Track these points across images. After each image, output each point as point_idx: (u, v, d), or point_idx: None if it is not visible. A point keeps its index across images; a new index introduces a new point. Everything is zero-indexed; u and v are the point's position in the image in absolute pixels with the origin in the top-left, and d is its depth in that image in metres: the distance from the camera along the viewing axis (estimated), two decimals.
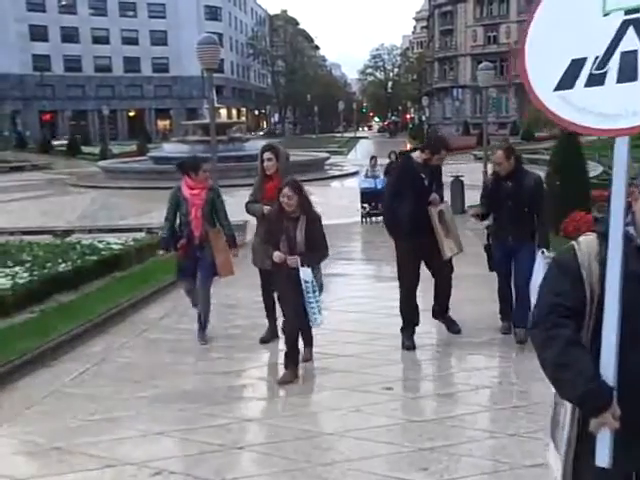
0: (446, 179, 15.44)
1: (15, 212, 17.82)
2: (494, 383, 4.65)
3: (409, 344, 5.48)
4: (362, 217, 13.91)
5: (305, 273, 4.71)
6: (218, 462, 3.64)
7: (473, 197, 16.22)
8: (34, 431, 4.09)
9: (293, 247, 4.77)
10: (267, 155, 5.57)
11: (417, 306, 5.62)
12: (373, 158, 15.26)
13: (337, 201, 19.60)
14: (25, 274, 7.34)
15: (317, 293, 4.76)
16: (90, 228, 11.47)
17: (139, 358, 5.42)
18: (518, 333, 5.49)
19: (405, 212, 5.34)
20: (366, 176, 15.05)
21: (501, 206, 5.56)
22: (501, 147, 5.70)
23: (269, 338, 5.79)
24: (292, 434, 3.90)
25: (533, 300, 4.21)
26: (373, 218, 13.61)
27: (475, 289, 7.51)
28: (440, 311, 5.85)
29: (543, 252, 4.84)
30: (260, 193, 5.63)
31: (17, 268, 7.62)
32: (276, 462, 3.60)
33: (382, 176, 13.53)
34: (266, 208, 5.31)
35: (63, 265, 7.86)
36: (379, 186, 12.67)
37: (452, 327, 5.83)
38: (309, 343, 5.29)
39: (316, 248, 4.84)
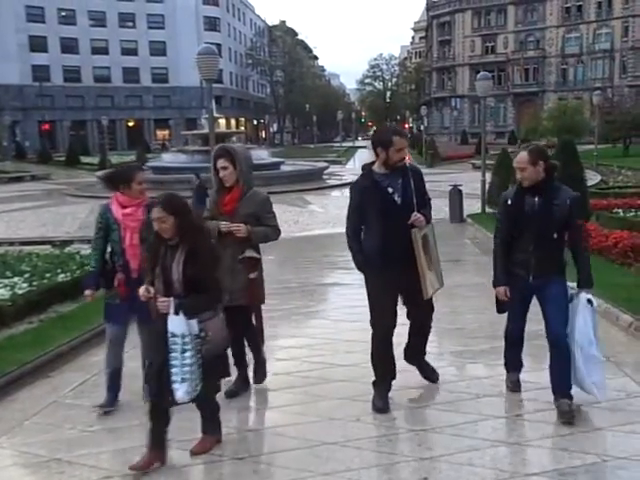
0: (445, 188, 15.57)
1: (14, 222, 17.84)
2: (494, 392, 4.64)
3: (381, 405, 4.32)
4: None
5: (174, 323, 3.42)
6: (218, 472, 3.64)
7: (472, 205, 16.35)
8: (34, 442, 4.08)
9: (170, 285, 3.55)
10: (221, 163, 4.43)
11: (393, 356, 4.44)
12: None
13: (335, 210, 19.62)
14: (24, 284, 7.34)
15: (191, 354, 3.43)
16: (89, 238, 11.39)
17: (138, 369, 5.40)
18: (561, 406, 4.06)
19: (372, 240, 4.20)
20: None
21: (523, 230, 4.14)
22: (527, 148, 4.26)
23: (236, 390, 4.73)
24: (292, 444, 3.90)
25: (578, 357, 4.11)
26: None
27: (474, 297, 7.52)
28: (415, 354, 4.72)
29: (578, 291, 4.19)
30: (217, 207, 4.55)
31: (16, 278, 7.63)
32: (276, 472, 3.59)
33: None
34: (223, 224, 4.40)
35: (62, 275, 7.86)
36: None
37: (430, 375, 4.76)
38: (212, 428, 3.87)
39: (201, 290, 3.51)
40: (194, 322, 3.46)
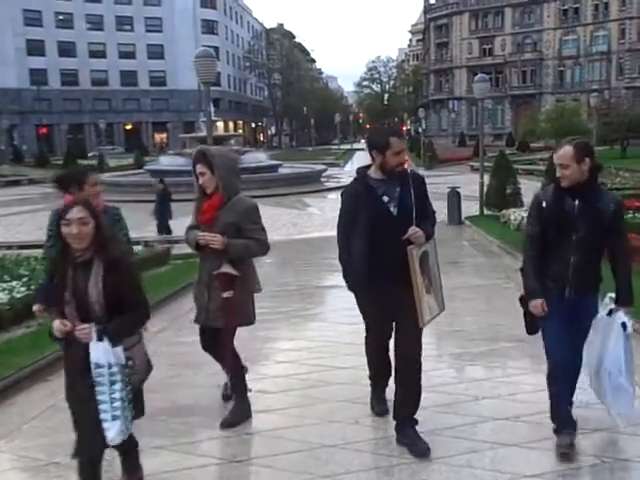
0: (443, 190, 15.60)
1: (12, 226, 17.82)
2: (493, 394, 4.64)
3: (379, 409, 4.26)
4: None
5: (98, 352, 2.89)
6: (218, 476, 3.63)
7: (471, 207, 16.36)
8: (32, 446, 4.07)
9: (85, 309, 2.93)
10: (199, 168, 4.03)
11: (390, 362, 4.08)
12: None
13: (333, 213, 19.56)
14: (22, 288, 7.33)
15: (120, 387, 2.92)
16: None
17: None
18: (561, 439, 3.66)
19: (358, 251, 3.67)
20: None
21: (562, 238, 3.55)
22: (572, 142, 3.57)
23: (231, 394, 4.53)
24: (292, 446, 3.89)
25: (606, 384, 3.65)
26: None
27: (472, 299, 7.52)
28: (405, 417, 3.85)
29: (616, 309, 3.68)
30: (196, 216, 4.18)
31: (14, 282, 7.61)
32: (276, 475, 3.59)
33: None
34: (200, 235, 3.99)
35: None
36: None
37: (417, 445, 3.74)
38: (133, 467, 3.40)
39: (125, 310, 2.97)
40: (119, 349, 2.93)
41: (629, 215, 11.81)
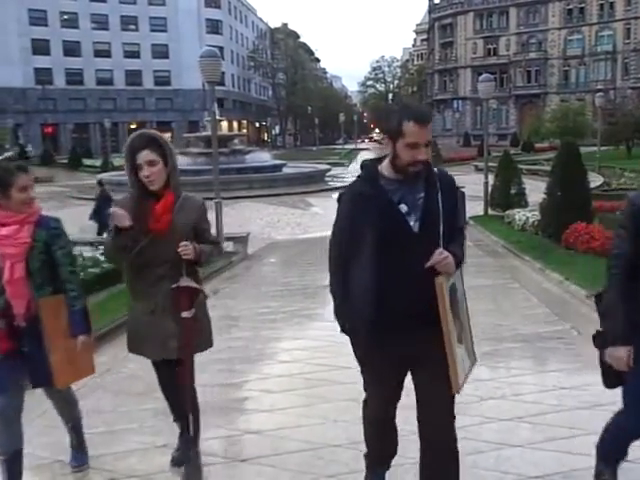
0: None
1: None
2: (497, 394, 4.63)
3: None
4: None
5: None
6: (221, 475, 3.63)
7: (475, 207, 16.32)
8: (37, 444, 4.08)
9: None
10: (146, 156, 3.15)
11: (396, 433, 3.13)
12: None
13: None
14: None
15: None
16: (92, 241, 11.45)
17: (142, 370, 5.40)
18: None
19: (367, 286, 2.60)
20: None
21: None
22: None
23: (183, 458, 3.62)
24: (295, 446, 3.89)
25: None
26: None
27: (476, 300, 7.51)
28: None
29: None
30: (141, 224, 3.15)
31: None
32: (280, 474, 3.58)
33: None
34: (119, 211, 3.13)
35: None
36: None
37: None
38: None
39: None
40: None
41: None
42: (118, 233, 3.11)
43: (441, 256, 2.51)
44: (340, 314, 2.79)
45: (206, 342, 3.50)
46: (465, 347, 2.77)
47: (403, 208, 2.58)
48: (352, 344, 2.84)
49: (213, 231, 13.30)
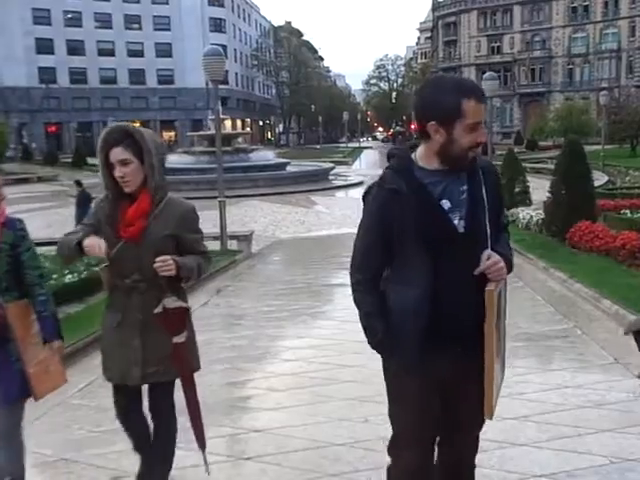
0: None
1: None
2: (502, 393, 4.61)
3: None
4: None
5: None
6: (226, 473, 3.63)
7: None
8: (41, 443, 4.09)
9: None
10: (119, 154, 2.73)
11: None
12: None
13: (341, 211, 19.64)
14: None
15: None
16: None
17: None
18: None
19: (416, 307, 2.20)
20: None
21: None
22: None
23: None
24: (300, 444, 3.89)
25: None
26: None
27: None
28: None
29: None
30: (112, 229, 2.78)
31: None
32: (284, 473, 3.58)
33: None
34: (87, 241, 2.68)
35: (69, 276, 7.88)
36: None
37: None
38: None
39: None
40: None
41: (639, 214, 11.75)
42: (80, 251, 2.71)
43: (493, 261, 2.17)
44: (370, 325, 2.30)
45: (196, 362, 3.09)
46: (500, 362, 2.41)
47: (445, 204, 2.19)
48: (384, 365, 2.38)
49: (217, 230, 13.29)
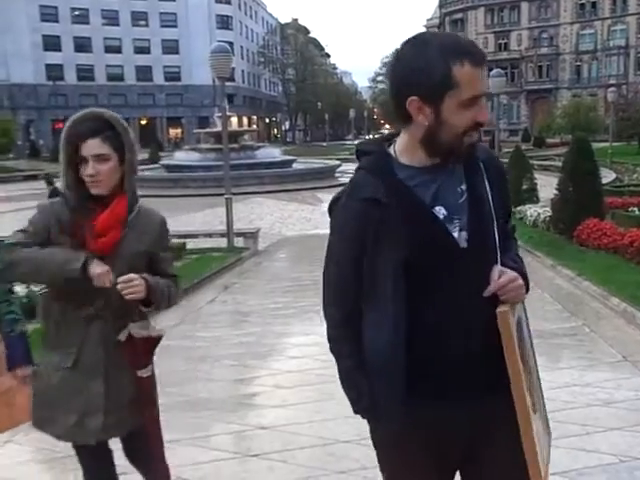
0: None
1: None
2: None
3: None
4: None
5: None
6: (233, 470, 3.63)
7: None
8: (50, 439, 4.10)
9: None
10: (94, 147, 2.19)
11: None
12: None
13: None
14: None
15: None
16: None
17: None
18: None
19: (393, 339, 1.62)
20: None
21: None
22: None
23: None
24: (307, 442, 3.89)
25: None
26: None
27: None
28: None
29: None
30: (70, 237, 2.20)
31: None
32: (291, 470, 3.58)
33: None
34: (99, 268, 2.13)
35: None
36: None
37: None
38: None
39: None
40: None
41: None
42: (84, 280, 2.13)
43: (506, 278, 1.62)
44: (352, 384, 1.75)
45: (157, 409, 2.43)
46: (539, 414, 1.75)
47: (440, 212, 1.62)
48: (372, 431, 1.82)
49: (223, 227, 13.29)
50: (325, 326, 1.81)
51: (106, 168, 2.19)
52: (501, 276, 1.63)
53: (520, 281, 1.67)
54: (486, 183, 1.68)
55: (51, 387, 2.28)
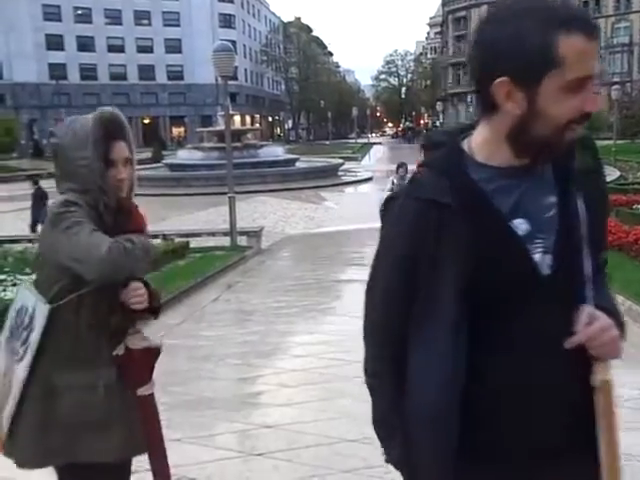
0: None
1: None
2: None
3: None
4: None
5: None
6: (237, 469, 3.63)
7: None
8: None
9: None
10: (125, 151, 2.15)
11: None
12: (402, 166, 10.86)
13: (351, 207, 19.63)
14: None
15: None
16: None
17: (157, 364, 5.42)
18: None
19: (446, 383, 1.25)
20: (391, 190, 10.13)
21: None
22: None
23: None
24: (312, 440, 3.88)
25: None
26: None
27: None
28: None
29: None
30: None
31: (34, 275, 7.67)
32: (296, 469, 3.57)
33: None
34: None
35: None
36: None
37: None
38: None
39: None
40: None
41: None
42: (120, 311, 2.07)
43: (597, 326, 1.24)
44: (385, 429, 1.42)
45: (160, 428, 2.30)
46: None
47: (521, 226, 1.26)
48: None
49: (227, 226, 13.34)
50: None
51: (130, 172, 2.16)
52: (592, 322, 1.23)
53: (615, 331, 1.27)
54: (581, 195, 1.29)
55: (96, 407, 2.05)
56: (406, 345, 1.32)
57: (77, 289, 2.01)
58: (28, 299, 2.12)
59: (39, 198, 13.84)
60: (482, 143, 1.30)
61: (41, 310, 2.04)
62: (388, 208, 1.38)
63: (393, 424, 1.38)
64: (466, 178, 1.28)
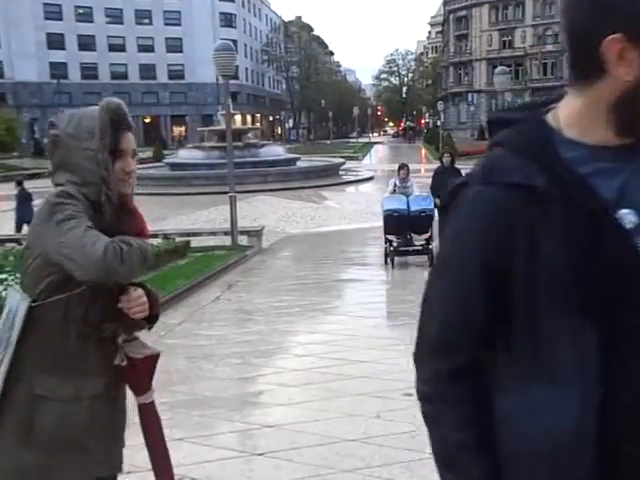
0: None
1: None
2: None
3: None
4: (386, 256, 9.58)
5: None
6: (239, 468, 3.63)
7: None
8: None
9: None
10: (133, 142, 2.01)
11: None
12: (403, 167, 10.32)
13: (352, 206, 19.62)
14: None
15: None
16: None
17: (157, 364, 5.41)
18: None
19: (558, 417, 1.00)
20: (393, 192, 10.13)
21: None
22: None
23: None
24: (312, 440, 3.88)
25: None
26: (402, 258, 9.69)
27: None
28: None
29: None
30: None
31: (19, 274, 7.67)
32: (296, 468, 3.57)
33: (416, 191, 10.09)
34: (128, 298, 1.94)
35: None
36: (412, 207, 9.32)
37: None
38: None
39: None
40: None
41: None
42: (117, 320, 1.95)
43: None
44: (460, 469, 1.14)
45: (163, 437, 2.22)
46: None
47: (628, 218, 1.02)
48: None
49: (228, 225, 13.34)
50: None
51: (136, 165, 2.00)
52: None
53: None
54: None
55: (76, 423, 1.89)
56: (477, 366, 1.11)
57: (66, 289, 1.81)
58: (14, 299, 1.95)
59: (24, 199, 13.94)
60: (575, 117, 1.06)
61: (22, 308, 1.86)
62: (457, 194, 1.10)
63: (469, 464, 1.11)
64: (558, 158, 1.03)
